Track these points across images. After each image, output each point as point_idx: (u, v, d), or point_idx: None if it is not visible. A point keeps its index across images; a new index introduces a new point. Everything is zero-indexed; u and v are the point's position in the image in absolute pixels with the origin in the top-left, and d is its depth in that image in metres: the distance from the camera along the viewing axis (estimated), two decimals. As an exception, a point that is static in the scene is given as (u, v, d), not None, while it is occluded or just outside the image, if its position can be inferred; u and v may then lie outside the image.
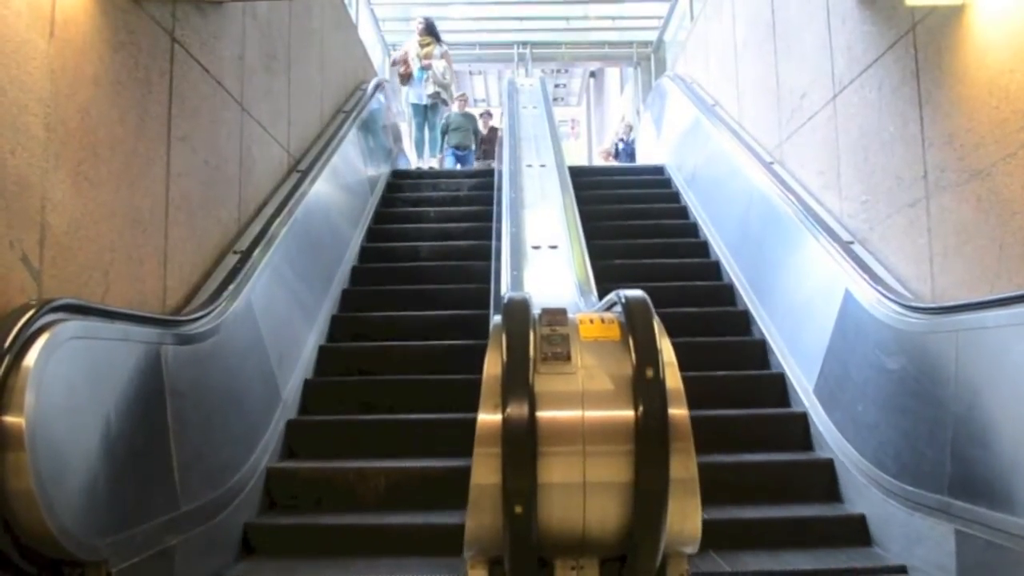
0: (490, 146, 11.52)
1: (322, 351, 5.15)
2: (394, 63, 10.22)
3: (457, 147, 10.99)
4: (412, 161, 10.27)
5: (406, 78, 9.92)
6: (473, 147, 11.34)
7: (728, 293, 5.94)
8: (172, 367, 3.01)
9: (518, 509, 2.16)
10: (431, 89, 9.67)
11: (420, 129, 10.12)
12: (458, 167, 11.04)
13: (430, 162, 9.96)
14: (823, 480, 4.05)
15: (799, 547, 3.55)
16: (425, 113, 10.00)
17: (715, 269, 6.34)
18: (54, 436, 2.20)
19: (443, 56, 9.79)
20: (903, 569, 3.33)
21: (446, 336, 5.31)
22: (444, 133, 10.77)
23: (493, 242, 5.99)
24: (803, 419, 4.43)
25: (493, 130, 11.83)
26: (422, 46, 9.76)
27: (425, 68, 9.65)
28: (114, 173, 3.06)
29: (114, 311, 2.71)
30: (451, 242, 6.94)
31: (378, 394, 4.79)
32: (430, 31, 9.90)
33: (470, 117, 11.38)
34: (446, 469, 3.90)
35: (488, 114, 12.46)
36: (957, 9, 3.47)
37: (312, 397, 4.72)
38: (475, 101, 15.48)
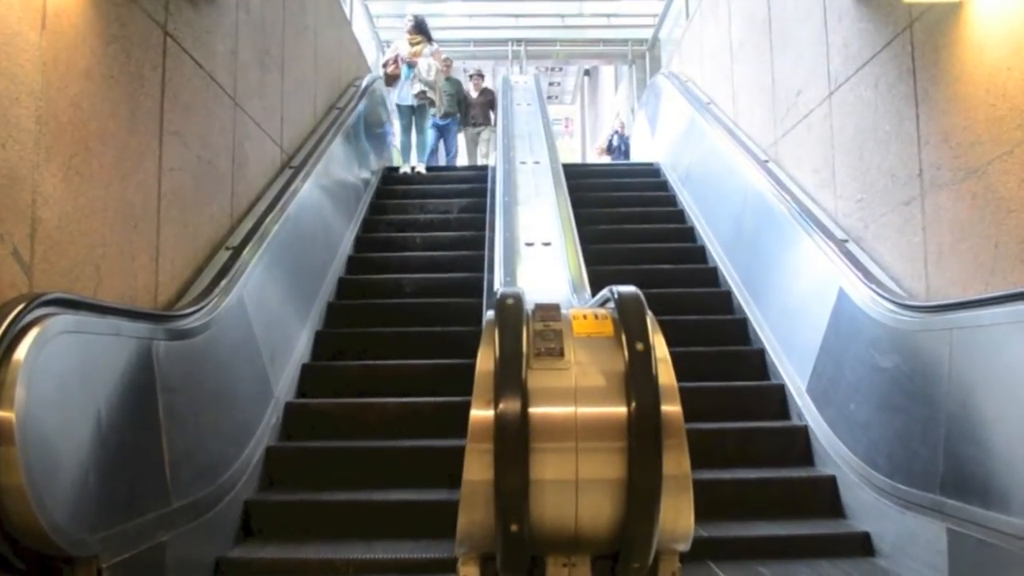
0: (482, 111, 11.01)
1: (288, 408, 4.51)
2: (384, 64, 9.71)
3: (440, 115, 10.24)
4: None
5: (393, 79, 9.35)
6: (458, 114, 10.64)
7: (722, 291, 5.95)
8: (164, 362, 2.99)
9: (510, 506, 2.15)
10: (417, 88, 9.08)
11: (406, 132, 9.45)
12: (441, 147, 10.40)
13: (418, 167, 9.23)
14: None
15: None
16: (411, 115, 9.35)
17: (708, 268, 6.34)
18: (44, 431, 2.19)
19: (433, 55, 9.34)
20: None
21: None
22: None
23: (486, 275, 5.36)
24: (797, 420, 4.44)
25: (485, 92, 11.25)
26: (412, 45, 9.28)
27: (412, 66, 9.11)
28: (106, 167, 3.04)
29: (105, 306, 2.70)
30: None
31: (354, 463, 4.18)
32: (420, 29, 9.37)
33: (453, 82, 10.67)
34: (428, 560, 3.36)
35: (479, 75, 11.66)
36: (954, 6, 3.46)
37: (277, 465, 4.12)
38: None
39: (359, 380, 4.92)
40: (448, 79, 10.39)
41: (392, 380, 4.88)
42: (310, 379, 4.91)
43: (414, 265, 6.51)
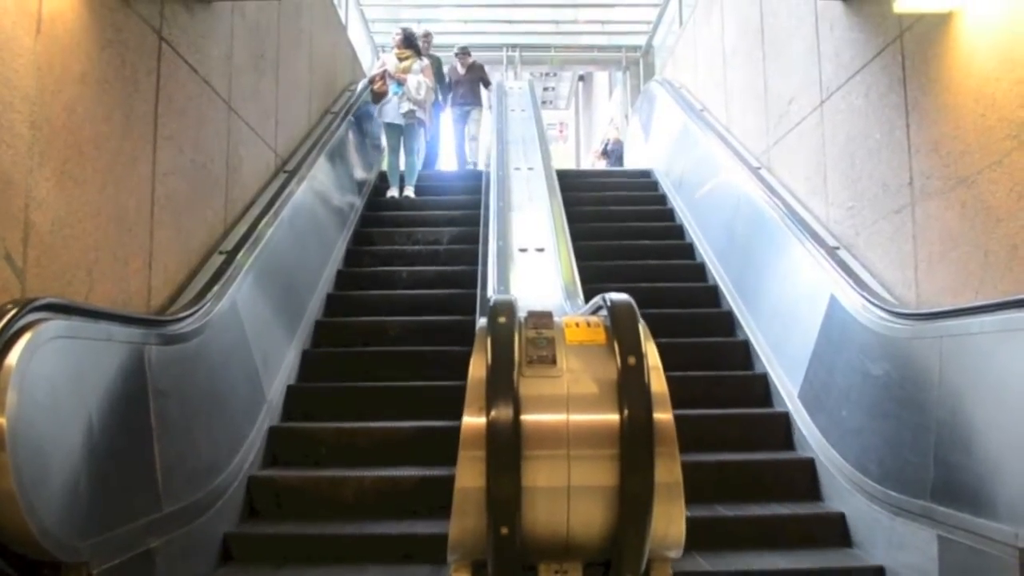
0: (471, 89, 10.53)
1: (253, 481, 3.91)
2: (371, 80, 9.14)
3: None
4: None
5: (380, 96, 8.58)
6: (438, 99, 9.93)
7: (713, 295, 5.97)
8: (156, 367, 2.99)
9: (502, 513, 2.15)
10: (405, 107, 8.33)
11: (394, 152, 8.48)
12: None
13: (407, 191, 8.27)
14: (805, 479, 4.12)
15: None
16: (400, 135, 8.48)
17: (701, 272, 6.36)
18: (35, 436, 2.18)
19: (422, 71, 8.54)
20: (881, 571, 3.36)
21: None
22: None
23: (478, 316, 4.66)
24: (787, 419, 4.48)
25: (473, 68, 10.62)
26: (400, 60, 8.56)
27: (401, 83, 8.41)
28: (99, 171, 3.04)
29: (98, 310, 2.69)
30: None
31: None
32: (409, 43, 8.77)
33: (432, 59, 9.65)
34: None
35: (465, 52, 10.75)
36: (944, 17, 3.49)
37: (240, 547, 3.59)
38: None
39: (335, 445, 4.34)
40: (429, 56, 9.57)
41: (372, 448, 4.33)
42: (280, 443, 4.32)
43: (397, 304, 6.03)
